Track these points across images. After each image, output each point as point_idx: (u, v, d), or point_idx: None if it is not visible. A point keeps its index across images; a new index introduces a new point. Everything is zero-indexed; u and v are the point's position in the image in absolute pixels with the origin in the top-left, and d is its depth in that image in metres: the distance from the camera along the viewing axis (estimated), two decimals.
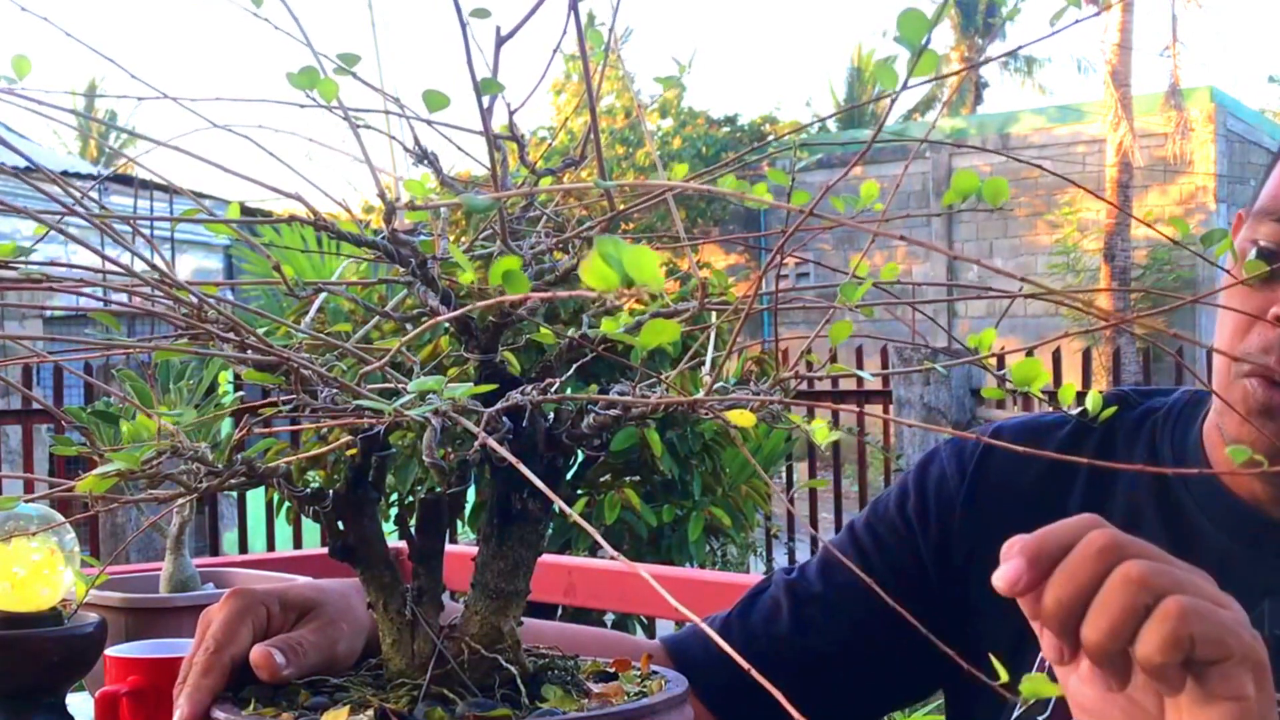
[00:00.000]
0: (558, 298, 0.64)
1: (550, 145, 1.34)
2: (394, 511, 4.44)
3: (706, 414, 0.79)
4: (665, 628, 4.67)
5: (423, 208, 0.81)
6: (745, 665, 0.54)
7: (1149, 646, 0.75)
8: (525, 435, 0.85)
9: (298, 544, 5.95)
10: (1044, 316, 14.48)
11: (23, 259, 0.76)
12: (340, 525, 0.90)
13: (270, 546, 6.34)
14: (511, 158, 0.87)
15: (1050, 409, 0.88)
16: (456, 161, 0.92)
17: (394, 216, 0.81)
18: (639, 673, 0.98)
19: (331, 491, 0.90)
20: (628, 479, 4.30)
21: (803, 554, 7.02)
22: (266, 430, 0.99)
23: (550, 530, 0.94)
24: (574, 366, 0.91)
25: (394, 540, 0.98)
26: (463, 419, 0.72)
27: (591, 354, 0.89)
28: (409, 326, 0.84)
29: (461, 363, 0.89)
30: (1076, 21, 0.70)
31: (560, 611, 3.63)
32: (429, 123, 0.83)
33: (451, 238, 0.87)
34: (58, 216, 0.76)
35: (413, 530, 0.92)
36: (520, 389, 0.82)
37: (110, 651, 1.37)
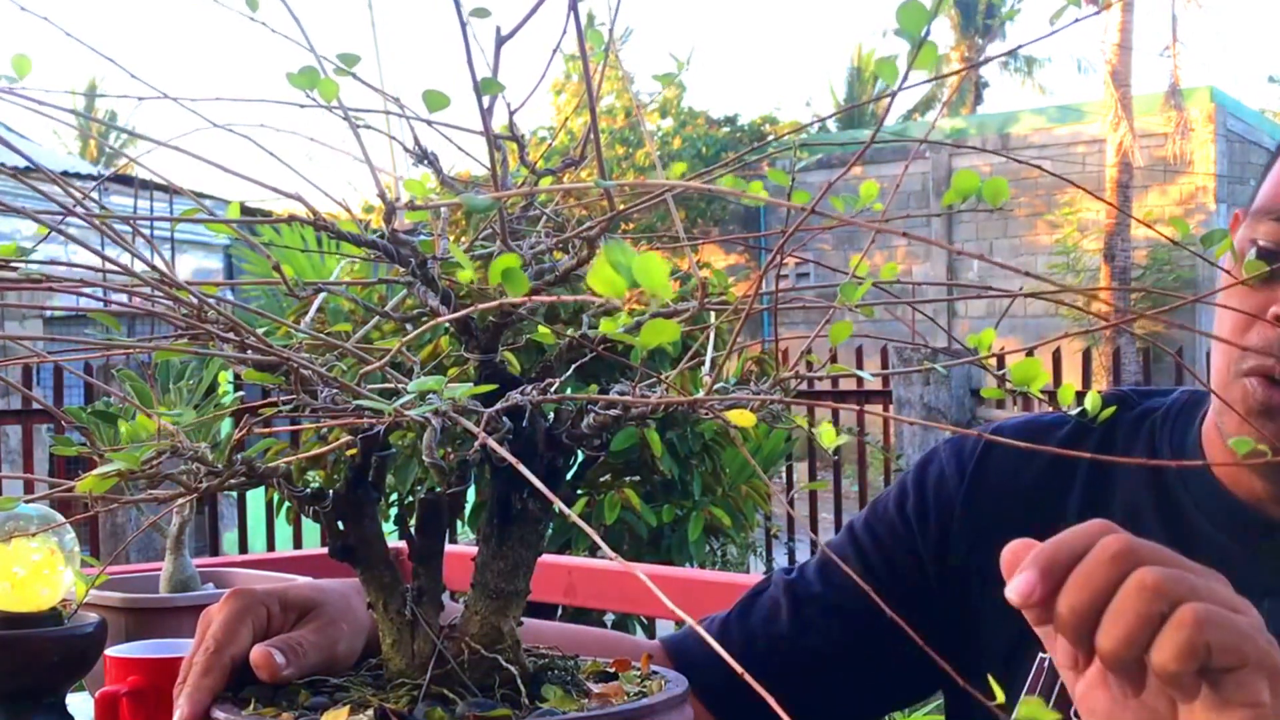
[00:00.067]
0: (560, 301, 0.64)
1: (550, 145, 1.34)
2: (394, 511, 4.45)
3: (706, 414, 0.79)
4: (665, 628, 4.68)
5: (423, 208, 0.81)
6: (738, 668, 0.54)
7: (1164, 655, 0.75)
8: (525, 435, 0.85)
9: (298, 544, 5.95)
10: (1044, 316, 14.49)
11: (23, 259, 0.76)
12: (340, 525, 0.90)
13: (270, 546, 6.34)
14: (511, 158, 0.87)
15: (1050, 409, 0.88)
16: (456, 161, 0.92)
17: (394, 216, 0.81)
18: (639, 673, 0.98)
19: (331, 491, 0.90)
20: (628, 479, 4.30)
21: (803, 554, 7.02)
22: (266, 430, 0.99)
23: (550, 530, 0.94)
24: (574, 366, 0.91)
25: (394, 540, 0.98)
26: (463, 419, 0.72)
27: (591, 354, 0.89)
28: (409, 326, 0.84)
29: (461, 363, 0.89)
30: (1076, 20, 0.70)
31: (560, 611, 3.63)
32: (429, 123, 0.83)
33: (451, 238, 0.87)
34: (58, 217, 0.76)
35: (413, 530, 0.92)
36: (520, 389, 0.82)
37: (110, 651, 1.37)
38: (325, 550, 0.93)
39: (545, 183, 0.89)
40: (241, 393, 3.89)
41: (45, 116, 0.80)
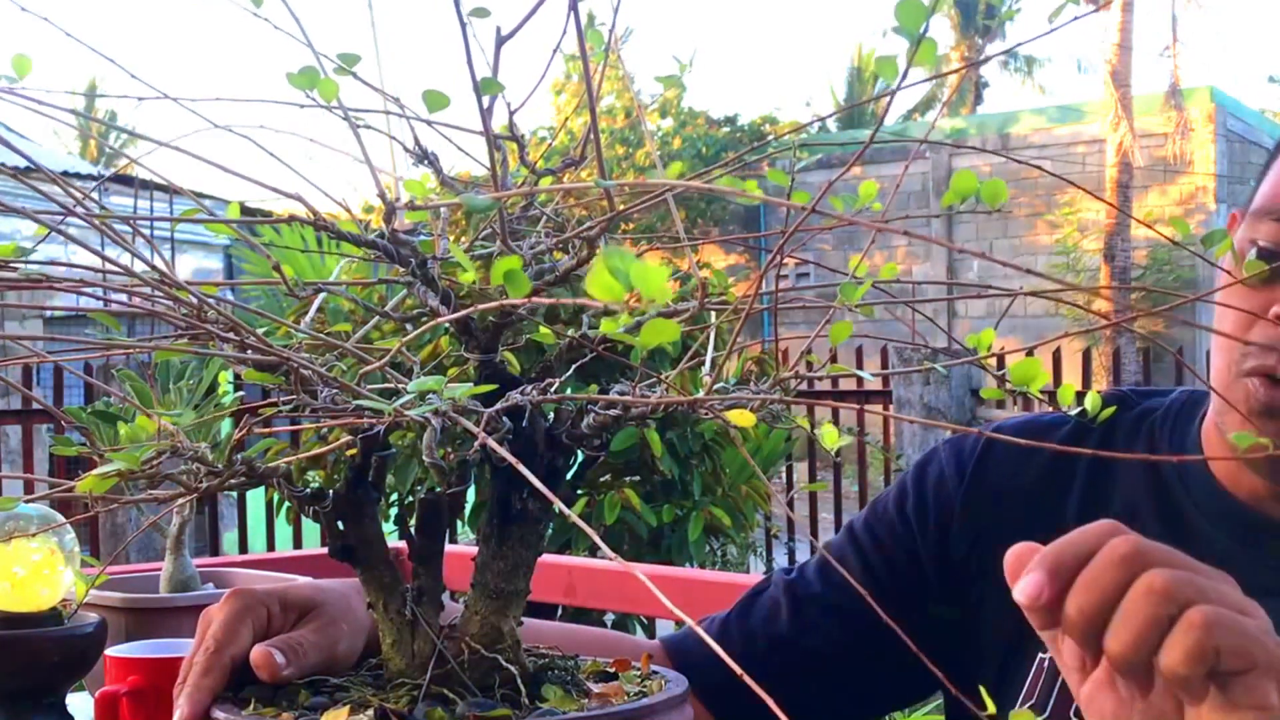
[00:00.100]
0: (559, 303, 0.64)
1: (550, 145, 1.34)
2: (394, 511, 4.45)
3: (706, 414, 0.79)
4: (665, 628, 4.68)
5: (423, 208, 0.81)
6: (736, 668, 0.54)
7: (1173, 658, 0.75)
8: (525, 435, 0.85)
9: (298, 544, 5.95)
10: (1044, 316, 14.49)
11: (23, 259, 0.76)
12: (340, 525, 0.90)
13: (270, 546, 6.34)
14: (511, 158, 0.87)
15: (1050, 409, 0.88)
16: (456, 161, 0.92)
17: (394, 216, 0.81)
18: (639, 673, 0.98)
19: (331, 491, 0.90)
20: (628, 479, 4.30)
21: (802, 554, 7.03)
22: (266, 430, 0.99)
23: (550, 530, 0.94)
24: (574, 366, 0.91)
25: (394, 540, 0.98)
26: (463, 419, 0.72)
27: (591, 354, 0.89)
28: (409, 326, 0.84)
29: (461, 363, 0.89)
30: (1075, 19, 0.70)
31: (560, 611, 3.63)
32: (429, 123, 0.83)
33: (451, 238, 0.87)
34: (58, 217, 0.76)
35: (413, 530, 0.92)
36: (520, 389, 0.82)
37: (110, 651, 1.37)
38: (325, 550, 0.93)
39: (545, 183, 0.89)
40: (241, 393, 3.89)
41: (45, 116, 0.80)
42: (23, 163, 0.77)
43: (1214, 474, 1.19)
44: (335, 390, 0.81)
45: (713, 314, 0.87)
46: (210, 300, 0.78)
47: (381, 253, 0.83)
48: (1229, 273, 0.83)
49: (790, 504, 6.84)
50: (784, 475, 6.81)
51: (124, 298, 0.80)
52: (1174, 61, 16.32)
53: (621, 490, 4.17)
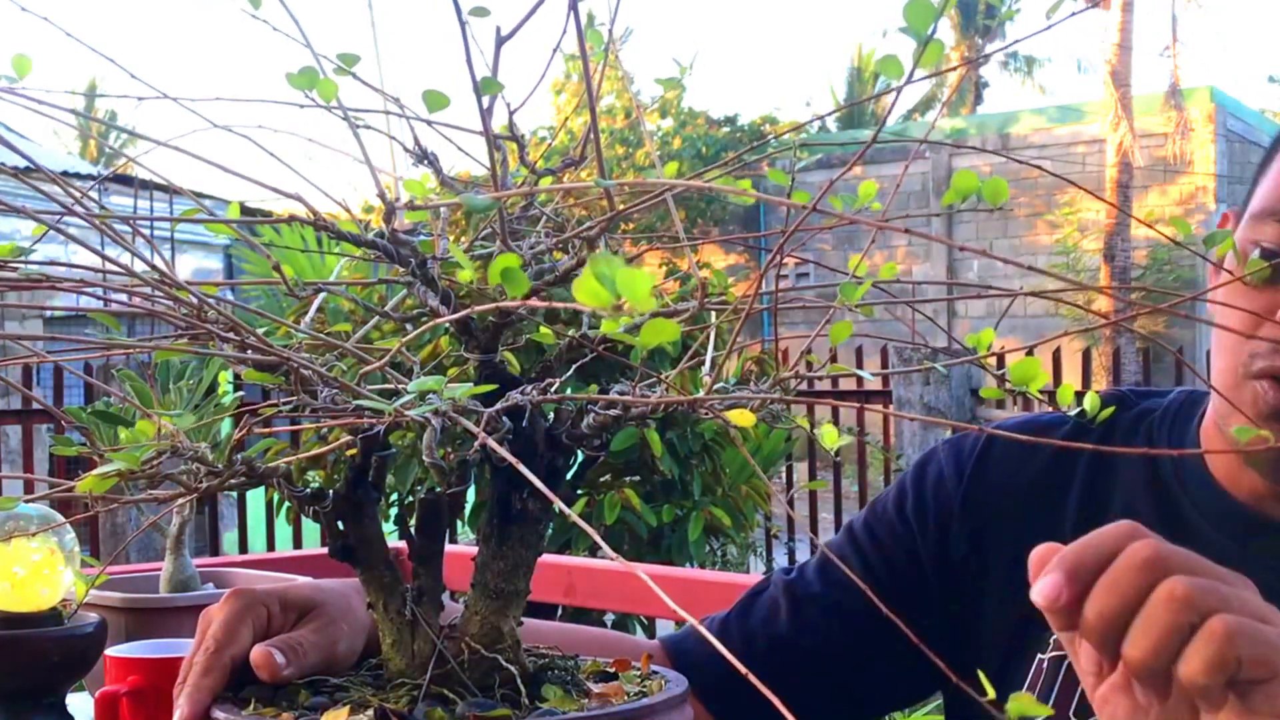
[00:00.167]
0: (557, 307, 0.64)
1: (550, 145, 1.34)
2: (394, 511, 4.45)
3: (706, 414, 0.79)
4: (665, 628, 4.68)
5: (423, 208, 0.81)
6: (741, 668, 0.54)
7: (1193, 667, 0.74)
8: (525, 435, 0.85)
9: (298, 544, 5.95)
10: (1044, 316, 14.49)
11: (23, 259, 0.76)
12: (340, 525, 0.90)
13: (270, 546, 6.34)
14: (511, 158, 0.87)
15: (1049, 409, 0.88)
16: (456, 161, 0.92)
17: (394, 216, 0.81)
18: (639, 673, 0.98)
19: (331, 491, 0.90)
20: (628, 479, 4.30)
21: (803, 554, 7.02)
22: (266, 430, 1.00)
23: (550, 530, 0.95)
24: (574, 366, 0.91)
25: (394, 540, 0.99)
26: (463, 419, 0.72)
27: (591, 354, 0.89)
28: (409, 326, 0.84)
29: (461, 363, 0.89)
30: (1073, 14, 0.70)
31: (560, 611, 3.63)
32: (429, 123, 0.83)
33: (451, 238, 0.87)
34: (57, 216, 0.76)
35: (413, 530, 0.92)
36: (520, 389, 0.82)
37: (110, 651, 1.38)
38: (325, 550, 0.93)
39: (545, 183, 0.89)
40: (241, 393, 3.89)
41: (45, 116, 0.80)
42: (23, 163, 0.77)
43: (1213, 474, 1.19)
44: (335, 390, 0.81)
45: (713, 314, 0.87)
46: (210, 300, 0.78)
47: (381, 253, 0.83)
48: (1230, 272, 0.83)
49: (790, 503, 6.84)
50: (784, 475, 6.80)
51: (124, 298, 0.80)
52: (1174, 61, 16.32)
53: (621, 490, 4.17)
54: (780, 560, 6.61)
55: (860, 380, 6.66)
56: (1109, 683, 0.82)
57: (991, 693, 0.60)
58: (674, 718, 0.89)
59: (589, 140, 0.79)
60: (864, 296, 0.76)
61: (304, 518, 1.04)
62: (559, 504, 0.62)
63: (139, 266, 0.77)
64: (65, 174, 0.85)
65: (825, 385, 6.54)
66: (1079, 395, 0.88)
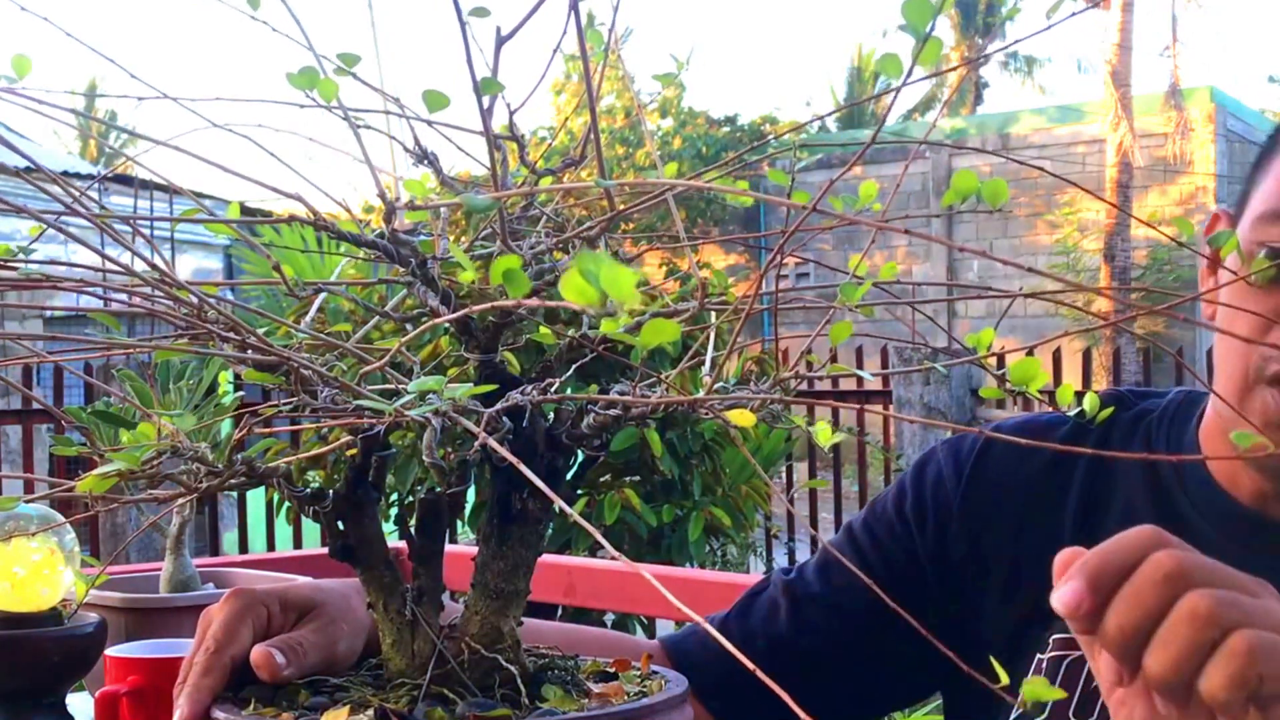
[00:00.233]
0: (556, 305, 0.64)
1: (550, 145, 1.34)
2: (394, 511, 4.45)
3: (706, 414, 0.79)
4: (665, 628, 4.68)
5: (423, 208, 0.81)
6: (750, 665, 0.54)
7: (1214, 684, 0.74)
8: (525, 435, 0.85)
9: (298, 544, 5.95)
10: (1044, 316, 14.48)
11: (23, 259, 0.76)
12: (340, 525, 0.90)
13: (270, 546, 6.35)
14: (511, 158, 0.87)
15: (1049, 409, 0.88)
16: (456, 161, 0.92)
17: (394, 216, 0.81)
18: (639, 673, 0.98)
19: (331, 491, 0.90)
20: (628, 479, 4.30)
21: (803, 554, 7.02)
22: (266, 430, 1.00)
23: (550, 530, 0.95)
24: (574, 366, 0.91)
25: (394, 540, 0.98)
26: (463, 419, 0.72)
27: (591, 354, 0.89)
28: (409, 326, 0.84)
29: (461, 363, 0.89)
30: (1073, 14, 0.70)
31: (560, 611, 3.63)
32: (429, 123, 0.83)
33: (451, 238, 0.87)
34: (56, 216, 0.76)
35: (413, 530, 0.92)
36: (520, 389, 0.82)
37: (110, 651, 1.38)
38: (325, 550, 0.93)
39: (545, 183, 0.89)
40: (241, 393, 3.89)
41: (45, 116, 0.80)
42: (23, 163, 0.77)
43: (1213, 474, 1.19)
44: (335, 390, 0.81)
45: (713, 314, 0.87)
46: (210, 300, 0.78)
47: (381, 253, 0.83)
48: (1235, 272, 0.83)
49: (790, 503, 6.84)
50: (784, 475, 6.81)
51: (124, 298, 0.80)
52: (1174, 61, 16.33)
53: (621, 490, 4.17)
54: (780, 560, 6.61)
55: (860, 380, 6.66)
56: (1129, 689, 0.81)
57: (1005, 678, 0.60)
58: (674, 718, 0.89)
59: (589, 140, 0.79)
60: (864, 296, 0.76)
61: (304, 518, 1.04)
62: (559, 504, 0.62)
63: (139, 266, 0.77)
64: (65, 174, 0.85)
65: (825, 385, 6.54)
66: (1079, 395, 0.88)
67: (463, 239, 0.95)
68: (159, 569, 1.64)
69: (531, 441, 0.86)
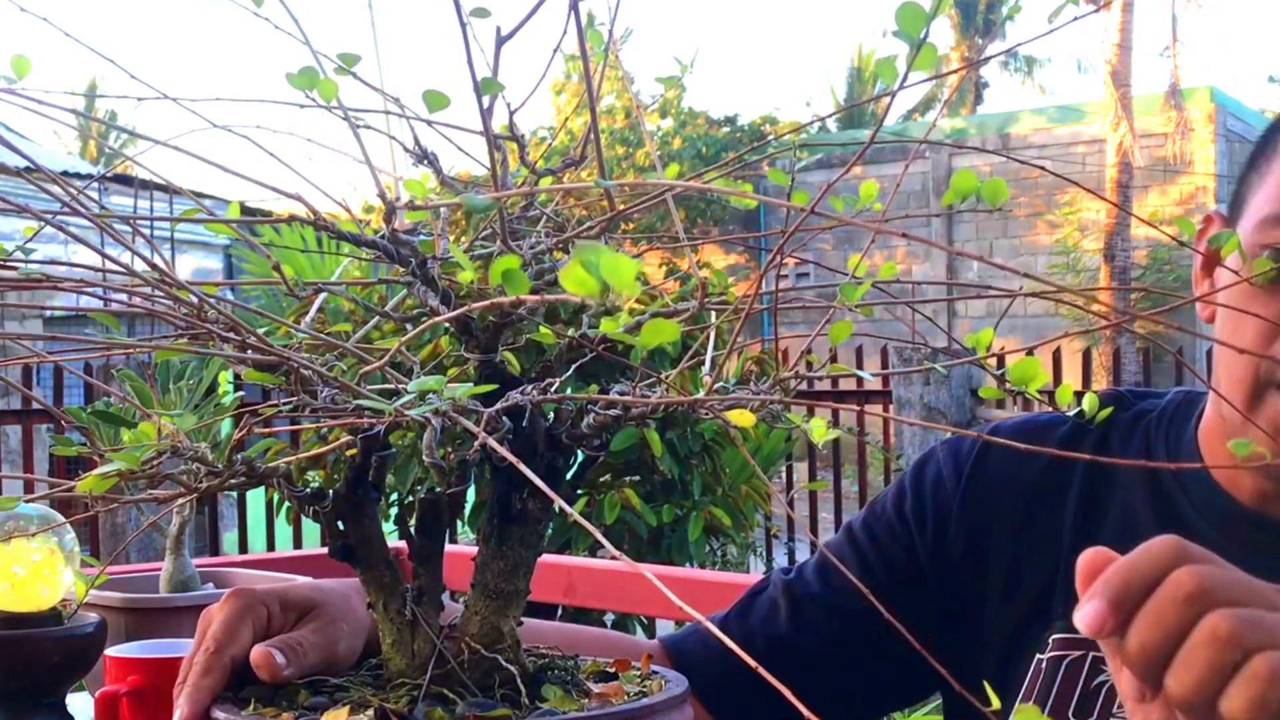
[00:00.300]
0: (556, 300, 0.64)
1: (550, 145, 1.34)
2: (394, 511, 4.45)
3: (706, 414, 0.79)
4: (665, 628, 4.67)
5: (423, 208, 0.81)
6: (754, 665, 0.54)
7: (1235, 707, 0.73)
8: (525, 435, 0.85)
9: (298, 544, 5.95)
10: (1044, 316, 14.48)
11: (23, 259, 0.76)
12: (340, 525, 0.90)
13: (270, 546, 6.34)
14: (511, 158, 0.87)
15: (1048, 409, 0.87)
16: (456, 161, 0.92)
17: (394, 216, 0.81)
18: (639, 673, 0.98)
19: (331, 491, 0.90)
20: (628, 479, 4.30)
21: (802, 554, 7.03)
22: (266, 430, 1.00)
23: (550, 530, 0.95)
24: (574, 366, 0.91)
25: (394, 540, 0.98)
26: (463, 419, 0.72)
27: (591, 354, 0.89)
28: (409, 326, 0.84)
29: (461, 363, 0.89)
30: (1075, 19, 0.70)
31: (560, 611, 3.63)
32: (429, 123, 0.83)
33: (451, 238, 0.87)
34: (55, 215, 0.76)
35: (413, 530, 0.92)
36: (520, 389, 0.82)
37: (110, 651, 1.38)
38: (325, 550, 0.93)
39: (545, 183, 0.89)
40: (241, 393, 3.89)
41: (45, 117, 0.80)
42: (23, 163, 0.77)
43: (1213, 475, 1.19)
44: (335, 390, 0.81)
45: (713, 314, 0.87)
46: (210, 300, 0.78)
47: (381, 253, 0.83)
48: (1238, 273, 0.83)
49: (790, 503, 6.84)
50: (784, 475, 6.81)
51: (124, 298, 0.80)
52: (1174, 61, 16.33)
53: (621, 490, 4.17)
54: (780, 560, 6.61)
55: (860, 380, 6.65)
56: (1150, 704, 0.81)
57: (996, 703, 0.60)
58: (674, 718, 0.89)
59: (589, 140, 0.79)
60: (864, 296, 0.76)
61: (304, 518, 1.04)
62: (559, 504, 0.62)
63: (139, 266, 0.77)
64: (65, 174, 0.85)
65: (825, 385, 6.54)
66: (1078, 395, 0.88)
67: (463, 239, 0.95)
68: (159, 569, 1.64)
69: (531, 441, 0.86)
